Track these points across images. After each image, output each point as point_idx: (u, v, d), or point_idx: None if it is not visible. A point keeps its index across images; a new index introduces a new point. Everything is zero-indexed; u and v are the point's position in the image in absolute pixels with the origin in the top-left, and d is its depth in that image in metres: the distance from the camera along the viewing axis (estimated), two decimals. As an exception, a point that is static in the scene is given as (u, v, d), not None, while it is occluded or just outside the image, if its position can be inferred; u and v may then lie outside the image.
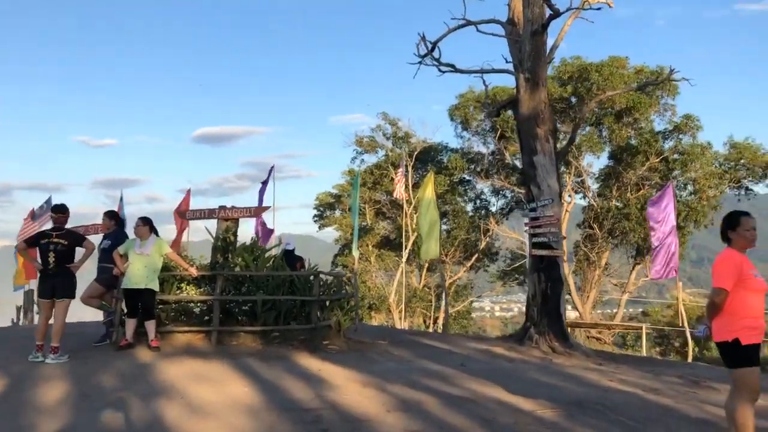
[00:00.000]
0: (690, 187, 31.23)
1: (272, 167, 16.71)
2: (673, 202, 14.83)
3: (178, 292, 9.89)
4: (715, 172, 30.24)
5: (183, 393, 6.77)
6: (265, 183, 16.61)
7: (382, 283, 35.68)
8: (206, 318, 9.91)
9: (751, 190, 31.48)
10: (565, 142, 22.27)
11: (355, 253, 16.32)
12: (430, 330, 32.65)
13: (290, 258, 11.08)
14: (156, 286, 8.98)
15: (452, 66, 11.72)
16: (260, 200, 16.41)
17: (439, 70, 11.80)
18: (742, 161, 31.07)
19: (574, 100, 30.28)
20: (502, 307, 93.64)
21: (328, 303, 10.47)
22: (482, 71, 11.98)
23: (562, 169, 29.73)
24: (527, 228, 11.78)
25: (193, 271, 9.50)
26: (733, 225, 5.56)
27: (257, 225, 16.05)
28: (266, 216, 16.30)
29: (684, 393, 7.91)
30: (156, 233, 9.20)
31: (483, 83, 12.93)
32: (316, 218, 37.27)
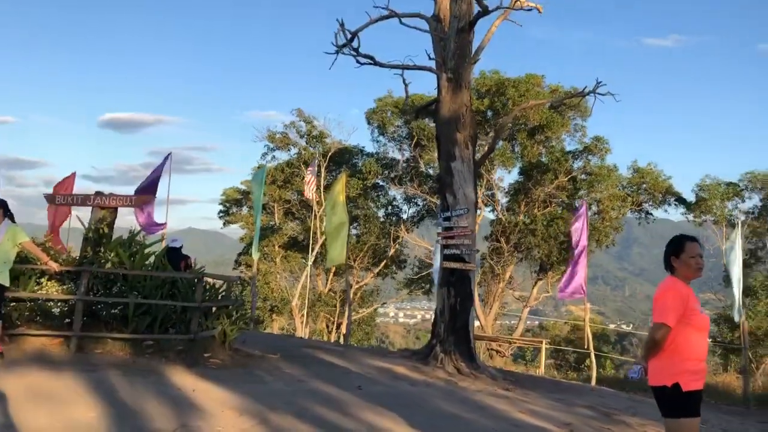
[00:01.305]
0: (594, 208, 31.39)
1: (168, 155, 15.01)
2: (585, 222, 14.23)
3: (36, 288, 8.28)
4: (619, 195, 30.51)
5: (10, 416, 5.31)
6: (156, 171, 14.86)
7: (287, 285, 34.20)
8: (67, 320, 8.33)
9: (651, 214, 32.05)
10: (482, 152, 21.58)
11: (255, 255, 14.88)
12: (332, 338, 31.43)
13: (174, 256, 9.55)
14: (5, 280, 7.38)
15: (371, 58, 10.58)
16: (148, 189, 14.68)
17: (358, 62, 10.65)
18: (644, 186, 31.53)
19: (490, 114, 29.91)
20: (406, 313, 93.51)
21: (214, 310, 9.08)
22: (403, 67, 10.90)
23: (474, 181, 29.23)
24: (439, 238, 10.78)
25: (54, 266, 7.93)
26: (677, 251, 4.68)
27: (143, 217, 14.34)
28: (158, 208, 14.70)
29: (599, 430, 7.04)
30: (12, 219, 7.60)
31: (402, 81, 11.88)
32: (221, 214, 35.38)
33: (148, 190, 14.73)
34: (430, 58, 10.98)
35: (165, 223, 14.65)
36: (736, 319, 13.69)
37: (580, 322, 40.09)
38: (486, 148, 11.46)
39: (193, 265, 9.83)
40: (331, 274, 33.48)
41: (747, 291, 29.93)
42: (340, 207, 14.68)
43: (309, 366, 9.08)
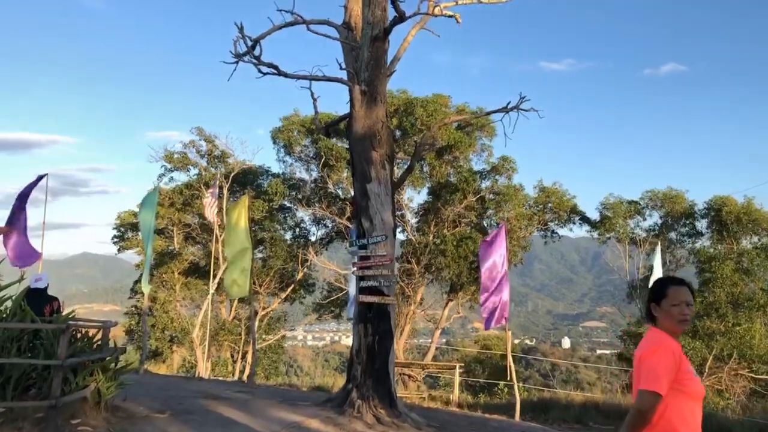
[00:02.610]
0: (503, 227, 31.08)
1: (43, 176, 13.03)
2: (506, 244, 13.35)
3: None
4: (526, 214, 30.36)
5: None
6: (24, 195, 12.82)
7: (188, 314, 31.95)
8: None
9: (556, 232, 32.15)
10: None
11: (146, 288, 13.09)
12: (237, 368, 29.44)
13: (37, 299, 7.78)
14: None
15: (275, 67, 9.24)
16: (18, 216, 12.64)
17: (260, 71, 9.27)
18: (549, 205, 31.56)
19: (398, 133, 29.10)
20: (314, 336, 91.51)
21: (88, 363, 7.42)
22: (311, 78, 9.62)
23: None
24: (354, 269, 9.51)
25: None
26: (658, 297, 3.64)
27: (11, 248, 12.32)
28: (34, 237, 12.66)
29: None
30: None
31: (311, 95, 10.59)
32: (115, 239, 32.75)
33: (14, 218, 12.71)
34: (341, 68, 9.77)
35: (40, 254, 12.65)
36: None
37: (489, 341, 39.78)
38: (401, 169, 10.28)
39: (62, 309, 8.09)
40: (236, 302, 31.54)
41: (650, 307, 30.36)
42: (243, 233, 13.17)
43: (204, 426, 7.56)
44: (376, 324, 9.29)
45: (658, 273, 12.91)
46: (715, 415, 14.52)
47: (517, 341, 69.33)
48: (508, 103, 9.70)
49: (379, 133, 9.48)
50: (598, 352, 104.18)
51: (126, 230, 33.33)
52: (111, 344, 8.05)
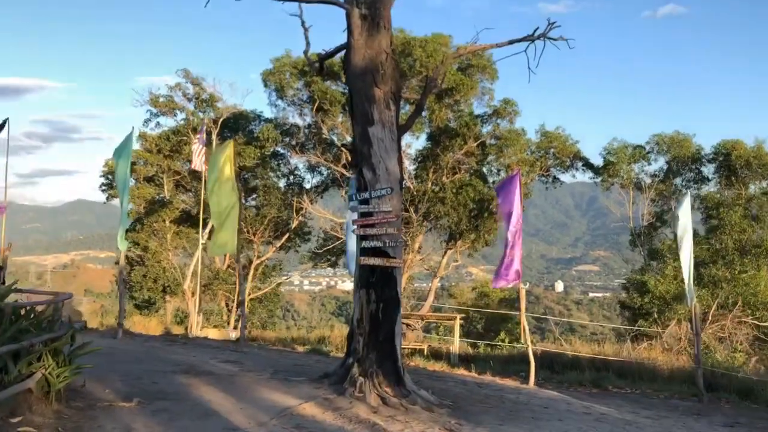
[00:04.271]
0: (503, 174, 29.67)
1: (5, 121, 11.44)
2: (520, 193, 11.89)
3: None
4: (528, 160, 28.88)
5: None
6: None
7: (180, 264, 30.61)
8: None
9: (558, 179, 30.75)
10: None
11: (122, 245, 11.61)
12: (232, 318, 28.31)
13: (-29, 268, 6.36)
14: None
15: (258, -14, 7.57)
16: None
17: (240, -10, 7.60)
18: (552, 150, 30.06)
19: (396, 75, 27.26)
20: (311, 281, 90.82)
21: (36, 347, 6.02)
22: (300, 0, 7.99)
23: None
24: (355, 227, 8.05)
25: None
26: None
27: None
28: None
29: None
30: None
31: (301, 23, 8.96)
32: (104, 187, 31.16)
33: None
34: (336, -13, 8.09)
35: (3, 207, 11.14)
36: (689, 303, 11.73)
37: (486, 287, 38.76)
38: (416, 104, 8.73)
39: (3, 277, 6.64)
40: (229, 251, 30.19)
41: (654, 254, 29.09)
42: (229, 184, 11.64)
43: (177, 418, 6.21)
44: (380, 290, 7.90)
45: (687, 227, 11.48)
46: (735, 374, 13.36)
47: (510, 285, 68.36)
48: (535, 30, 8.09)
49: (383, 66, 7.89)
50: (591, 295, 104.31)
51: (114, 178, 31.71)
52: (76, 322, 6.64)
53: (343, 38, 8.32)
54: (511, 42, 8.21)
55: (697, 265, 27.11)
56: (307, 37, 9.16)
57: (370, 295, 7.92)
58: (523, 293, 11.71)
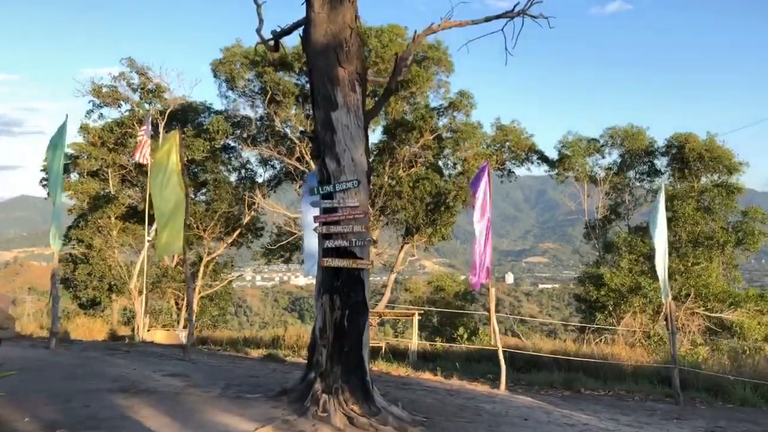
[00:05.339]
0: (459, 167, 29.07)
1: None
2: (489, 187, 11.09)
3: None
4: (484, 153, 28.31)
5: None
6: None
7: (127, 261, 29.04)
8: None
9: (513, 172, 30.34)
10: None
11: (55, 245, 10.32)
12: (182, 317, 26.89)
13: None
14: None
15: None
16: None
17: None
18: (507, 143, 29.60)
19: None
20: (263, 276, 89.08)
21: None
22: (253, -33, 6.96)
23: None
24: (316, 225, 7.07)
25: None
26: None
27: None
28: None
29: None
30: None
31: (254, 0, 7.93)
32: (44, 182, 29.26)
33: None
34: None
35: None
36: (663, 299, 11.15)
37: (442, 281, 38.15)
38: (385, 87, 7.79)
39: None
40: (178, 248, 28.73)
41: (609, 247, 28.89)
42: (174, 178, 10.48)
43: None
44: (345, 295, 6.93)
45: (662, 221, 10.88)
46: (706, 372, 12.92)
47: (462, 277, 68.14)
48: (515, 6, 7.24)
49: (347, 43, 6.91)
50: (540, 286, 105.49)
51: (55, 172, 29.82)
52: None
53: (301, 13, 7.32)
54: (488, 19, 7.34)
55: (651, 257, 27.02)
56: (259, 14, 8.12)
57: (335, 301, 6.95)
58: (492, 293, 10.91)
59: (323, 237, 7.06)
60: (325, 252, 7.02)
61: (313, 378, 6.98)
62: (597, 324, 25.91)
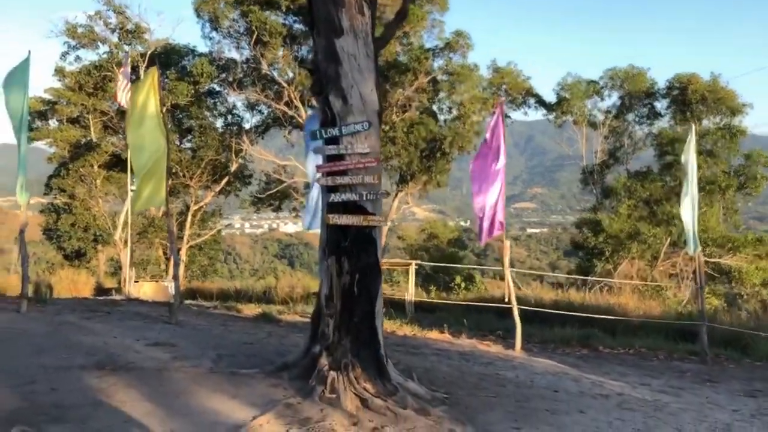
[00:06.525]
0: (455, 111, 27.81)
1: None
2: (503, 132, 9.92)
3: None
4: (480, 97, 27.05)
5: None
6: None
7: (111, 211, 27.83)
8: None
9: (509, 116, 29.11)
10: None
11: (21, 198, 9.14)
12: (170, 267, 25.83)
13: None
14: None
15: None
16: None
17: None
18: (504, 86, 28.31)
19: None
20: (252, 224, 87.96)
21: None
22: None
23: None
24: (319, 175, 5.94)
25: None
26: None
27: None
28: None
29: None
30: None
31: None
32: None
33: None
34: None
35: None
36: (691, 251, 10.21)
37: (436, 228, 37.29)
38: (397, 12, 6.53)
39: None
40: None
41: (608, 192, 27.99)
42: (153, 121, 9.24)
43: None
44: (355, 256, 5.86)
45: (692, 165, 9.83)
46: (731, 327, 12.11)
47: (452, 223, 67.50)
48: None
49: (354, -45, 5.66)
50: (528, 231, 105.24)
51: (34, 118, 28.21)
52: None
53: None
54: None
55: (652, 202, 26.18)
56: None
57: (342, 263, 5.89)
58: (507, 246, 9.89)
59: (328, 190, 5.94)
60: (331, 207, 5.91)
61: (318, 352, 5.98)
62: (596, 271, 25.23)
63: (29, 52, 9.65)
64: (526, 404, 6.24)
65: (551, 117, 28.39)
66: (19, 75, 9.59)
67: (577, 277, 22.87)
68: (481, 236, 9.59)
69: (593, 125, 28.38)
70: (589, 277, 23.07)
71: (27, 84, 9.54)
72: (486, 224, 9.55)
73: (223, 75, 26.83)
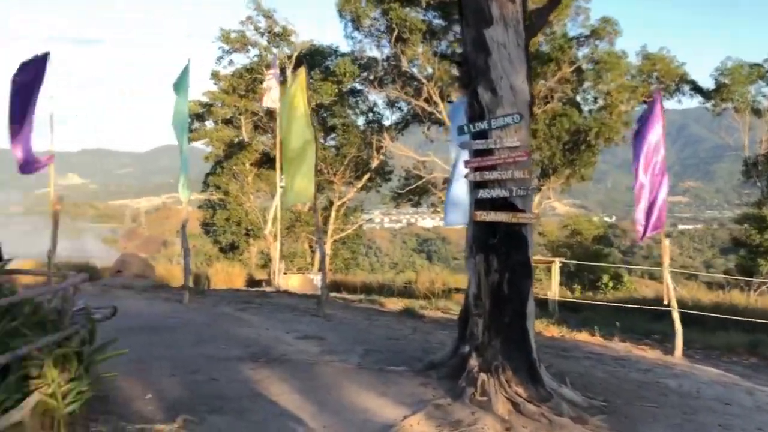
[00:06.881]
0: (600, 101, 26.42)
1: (46, 55, 9.58)
2: (662, 122, 9.21)
3: None
4: (628, 86, 25.48)
5: None
6: (28, 80, 9.51)
7: (261, 207, 29.36)
8: None
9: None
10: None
11: (183, 195, 9.76)
12: (316, 259, 26.77)
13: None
14: None
15: None
16: (21, 109, 9.35)
17: None
18: (655, 74, 26.45)
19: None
20: (391, 218, 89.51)
21: (32, 355, 4.15)
22: None
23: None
24: (467, 170, 5.76)
25: None
26: None
27: (20, 149, 9.20)
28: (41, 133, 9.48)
29: None
30: None
31: None
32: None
33: (21, 112, 9.40)
34: None
35: (51, 156, 9.43)
36: None
37: (580, 225, 35.81)
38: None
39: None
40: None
41: (775, 186, 25.49)
42: (303, 120, 9.52)
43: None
44: (504, 255, 5.63)
45: None
46: None
47: (596, 218, 64.52)
48: None
49: (505, -60, 5.41)
50: (680, 227, 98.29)
51: (192, 120, 30.36)
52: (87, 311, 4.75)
53: None
54: None
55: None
56: None
57: (491, 262, 5.67)
58: (666, 244, 9.18)
59: (476, 185, 5.74)
60: (479, 203, 5.71)
61: (468, 352, 5.81)
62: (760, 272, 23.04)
63: (188, 59, 10.26)
64: (693, 417, 5.69)
65: (709, 105, 26.18)
66: (181, 81, 10.23)
67: (739, 278, 20.91)
68: (647, 230, 8.92)
69: (757, 113, 25.82)
70: (754, 278, 21.03)
71: (187, 89, 10.16)
72: (653, 218, 8.90)
73: (365, 74, 27.32)
